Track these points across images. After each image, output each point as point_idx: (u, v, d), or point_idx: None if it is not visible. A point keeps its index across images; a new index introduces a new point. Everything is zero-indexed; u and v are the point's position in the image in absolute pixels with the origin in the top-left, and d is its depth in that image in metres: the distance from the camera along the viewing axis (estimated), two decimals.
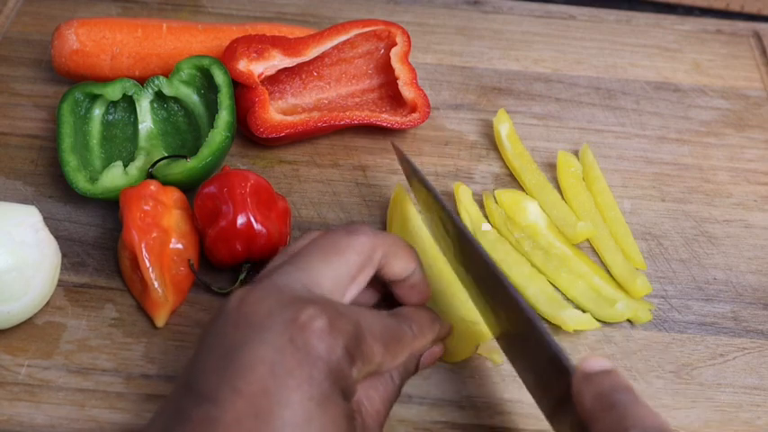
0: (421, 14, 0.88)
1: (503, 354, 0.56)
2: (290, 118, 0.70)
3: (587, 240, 0.67)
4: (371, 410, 0.50)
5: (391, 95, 0.76)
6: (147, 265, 0.59)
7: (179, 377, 0.46)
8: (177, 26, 0.75)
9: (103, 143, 0.70)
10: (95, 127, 0.70)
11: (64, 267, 0.63)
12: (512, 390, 0.57)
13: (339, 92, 0.76)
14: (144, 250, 0.59)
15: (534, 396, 0.51)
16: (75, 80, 0.74)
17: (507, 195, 0.68)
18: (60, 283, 0.62)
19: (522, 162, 0.71)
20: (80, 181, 0.64)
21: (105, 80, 0.72)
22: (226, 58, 0.70)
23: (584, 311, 0.62)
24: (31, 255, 0.57)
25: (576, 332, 0.61)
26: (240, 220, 0.60)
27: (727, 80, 0.83)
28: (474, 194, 0.69)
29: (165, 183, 0.64)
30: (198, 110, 0.71)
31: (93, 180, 0.65)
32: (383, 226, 0.67)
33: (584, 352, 0.60)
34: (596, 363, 0.46)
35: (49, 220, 0.63)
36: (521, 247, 0.66)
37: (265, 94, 0.70)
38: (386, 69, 0.76)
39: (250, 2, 0.87)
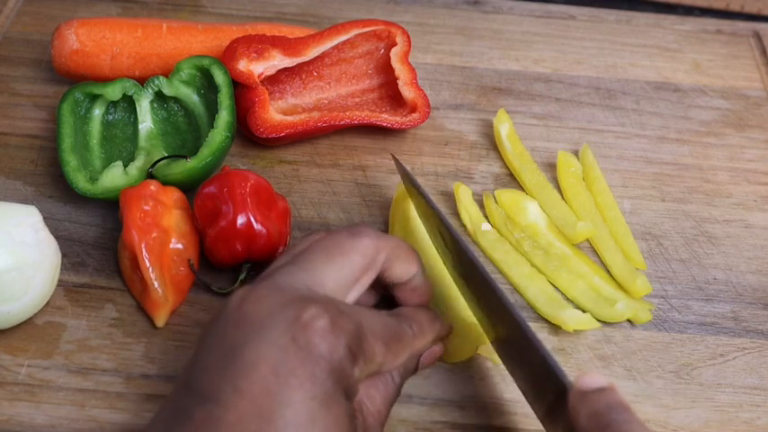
0: (421, 14, 0.88)
1: None
2: (290, 118, 0.70)
3: (587, 240, 0.67)
4: (372, 410, 0.50)
5: (391, 95, 0.76)
6: (147, 265, 0.59)
7: (179, 377, 0.46)
8: (177, 26, 0.75)
9: (103, 143, 0.70)
10: (95, 127, 0.70)
11: (64, 267, 0.63)
12: (512, 390, 0.57)
13: (339, 92, 0.76)
14: (144, 250, 0.59)
15: (527, 399, 0.52)
16: (75, 80, 0.74)
17: (507, 195, 0.68)
18: (60, 283, 0.62)
19: (522, 162, 0.71)
20: (80, 181, 0.64)
21: (105, 80, 0.72)
22: (226, 58, 0.70)
23: (584, 311, 0.62)
24: (31, 255, 0.57)
25: (576, 332, 0.61)
26: (240, 220, 0.60)
27: (727, 80, 0.83)
28: (474, 194, 0.69)
29: (165, 183, 0.64)
30: (198, 110, 0.71)
31: (93, 180, 0.65)
32: (384, 226, 0.67)
33: (585, 352, 0.60)
34: (592, 380, 0.46)
35: (49, 220, 0.63)
36: (521, 247, 0.66)
37: (265, 94, 0.70)
38: (386, 69, 0.76)
39: (250, 2, 0.87)
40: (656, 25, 0.89)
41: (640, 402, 0.57)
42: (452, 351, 0.58)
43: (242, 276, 0.61)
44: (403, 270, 0.53)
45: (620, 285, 0.64)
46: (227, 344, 0.44)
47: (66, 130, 0.67)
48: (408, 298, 0.55)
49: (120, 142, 0.70)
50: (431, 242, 0.63)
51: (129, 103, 0.70)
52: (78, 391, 0.56)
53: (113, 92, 0.69)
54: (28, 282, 0.57)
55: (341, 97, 0.76)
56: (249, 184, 0.61)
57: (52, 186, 0.69)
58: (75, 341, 0.59)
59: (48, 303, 0.60)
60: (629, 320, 0.62)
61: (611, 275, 0.65)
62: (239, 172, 0.62)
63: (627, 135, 0.77)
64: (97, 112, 0.70)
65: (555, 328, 0.61)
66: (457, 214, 0.68)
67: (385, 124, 0.72)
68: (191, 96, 0.71)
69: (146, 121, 0.70)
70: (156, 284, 0.59)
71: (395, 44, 0.74)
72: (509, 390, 0.57)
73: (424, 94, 0.74)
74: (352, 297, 0.50)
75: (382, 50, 0.76)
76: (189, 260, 0.61)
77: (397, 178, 0.71)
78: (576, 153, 0.74)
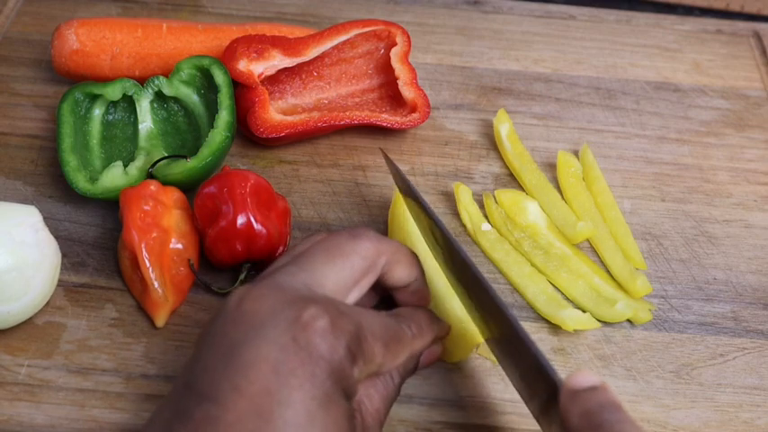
0: (421, 14, 0.88)
1: None
2: (290, 118, 0.70)
3: (587, 240, 0.67)
4: (371, 409, 0.50)
5: (391, 95, 0.76)
6: (147, 265, 0.59)
7: (179, 376, 0.46)
8: (177, 26, 0.75)
9: (103, 143, 0.70)
10: (95, 127, 0.70)
11: (64, 267, 0.63)
12: (511, 390, 0.57)
13: (339, 92, 0.76)
14: (144, 250, 0.59)
15: (522, 397, 0.52)
16: (75, 80, 0.74)
17: (507, 195, 0.68)
18: (60, 283, 0.62)
19: (522, 162, 0.71)
20: (80, 181, 0.64)
21: (105, 80, 0.72)
22: (226, 58, 0.70)
23: (584, 311, 0.62)
24: (31, 255, 0.57)
25: (576, 332, 0.61)
26: (240, 220, 0.60)
27: (727, 80, 0.83)
28: (474, 194, 0.69)
29: (165, 183, 0.64)
30: (198, 110, 0.71)
31: (93, 180, 0.65)
32: (384, 226, 0.67)
33: (585, 352, 0.60)
34: (584, 378, 0.46)
35: (49, 220, 0.63)
36: (521, 247, 0.66)
37: (265, 94, 0.70)
38: (386, 69, 0.76)
39: (250, 2, 0.87)
40: (656, 25, 0.89)
41: (640, 402, 0.57)
42: (451, 351, 0.58)
43: (242, 276, 0.61)
44: (403, 274, 0.53)
45: (620, 285, 0.64)
46: (227, 343, 0.44)
47: (66, 130, 0.67)
48: (408, 300, 0.55)
49: (120, 142, 0.70)
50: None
51: (129, 103, 0.70)
52: (78, 391, 0.56)
53: (113, 92, 0.69)
54: (28, 282, 0.57)
55: (341, 97, 0.76)
56: (249, 184, 0.61)
57: (52, 186, 0.69)
58: (75, 341, 0.59)
59: (48, 303, 0.60)
60: (629, 320, 0.62)
61: (611, 275, 0.65)
62: (239, 172, 0.62)
63: (627, 135, 0.77)
64: (97, 112, 0.70)
65: (555, 328, 0.61)
66: (457, 214, 0.68)
67: (385, 124, 0.72)
68: (191, 96, 0.71)
69: (146, 121, 0.70)
70: (156, 284, 0.59)
71: (395, 44, 0.74)
72: (508, 390, 0.57)
73: (424, 94, 0.74)
74: (351, 299, 0.50)
75: (382, 50, 0.76)
76: (189, 260, 0.61)
77: None
78: (576, 153, 0.74)
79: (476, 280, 0.52)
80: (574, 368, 0.59)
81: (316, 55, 0.73)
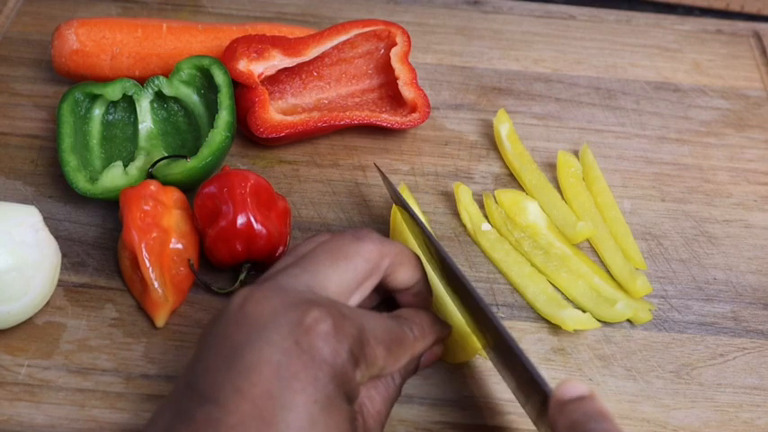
0: (421, 14, 0.88)
1: None
2: (290, 118, 0.70)
3: (587, 240, 0.67)
4: (373, 411, 0.50)
5: (391, 95, 0.76)
6: (147, 265, 0.59)
7: (180, 377, 0.46)
8: (177, 26, 0.75)
9: (103, 143, 0.70)
10: (95, 127, 0.70)
11: (64, 267, 0.63)
12: None
13: (339, 92, 0.76)
14: (144, 250, 0.59)
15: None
16: (75, 80, 0.74)
17: (507, 195, 0.68)
18: (60, 283, 0.62)
19: (522, 162, 0.71)
20: (80, 181, 0.64)
21: (105, 80, 0.72)
22: (226, 58, 0.70)
23: (584, 311, 0.62)
24: (31, 255, 0.57)
25: (576, 332, 0.61)
26: (240, 220, 0.60)
27: (727, 80, 0.83)
28: (474, 194, 0.69)
29: (165, 183, 0.64)
30: (198, 110, 0.71)
31: (93, 180, 0.65)
32: (384, 226, 0.67)
33: (585, 352, 0.60)
34: (572, 389, 0.46)
35: (49, 220, 0.63)
36: (521, 247, 0.66)
37: (265, 94, 0.70)
38: (386, 69, 0.76)
39: (250, 2, 0.87)
40: (656, 25, 0.89)
41: (640, 402, 0.57)
42: (455, 352, 0.58)
43: (242, 276, 0.61)
44: (406, 276, 0.53)
45: (620, 285, 0.64)
46: (229, 345, 0.44)
47: (66, 130, 0.67)
48: (410, 302, 0.55)
49: (120, 142, 0.70)
50: None
51: (129, 103, 0.70)
52: (78, 391, 0.56)
53: (113, 92, 0.69)
54: (28, 282, 0.57)
55: (341, 97, 0.76)
56: (249, 184, 0.61)
57: (52, 186, 0.69)
58: (75, 341, 0.59)
59: (48, 303, 0.60)
60: (629, 320, 0.62)
61: (611, 275, 0.65)
62: (239, 172, 0.62)
63: (627, 135, 0.77)
64: (97, 112, 0.70)
65: (555, 328, 0.61)
66: (457, 214, 0.68)
67: (385, 124, 0.72)
68: (191, 96, 0.71)
69: (146, 121, 0.70)
70: (156, 284, 0.59)
71: (395, 44, 0.74)
72: (508, 390, 0.57)
73: (424, 94, 0.74)
74: (354, 301, 0.50)
75: (382, 50, 0.76)
76: (189, 260, 0.61)
77: (397, 179, 0.71)
78: (576, 153, 0.74)
79: (467, 292, 0.52)
80: (574, 368, 0.59)
81: (316, 55, 0.73)
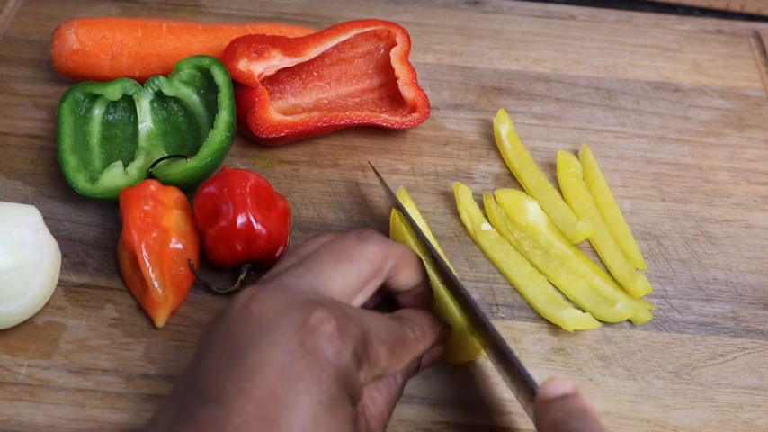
0: (421, 14, 0.88)
1: None
2: (290, 118, 0.70)
3: (587, 240, 0.67)
4: (375, 412, 0.50)
5: (391, 95, 0.76)
6: (147, 265, 0.59)
7: (182, 376, 0.46)
8: (177, 26, 0.75)
9: (103, 143, 0.70)
10: (95, 127, 0.70)
11: (64, 267, 0.63)
12: None
13: (339, 92, 0.76)
14: (144, 250, 0.59)
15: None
16: (75, 80, 0.74)
17: (507, 195, 0.68)
18: (60, 283, 0.62)
19: (522, 162, 0.71)
20: (80, 181, 0.64)
21: (105, 80, 0.72)
22: (226, 58, 0.70)
23: (584, 311, 0.62)
24: (31, 255, 0.57)
25: (576, 332, 0.61)
26: (240, 220, 0.60)
27: (727, 80, 0.83)
28: (474, 194, 0.69)
29: (165, 183, 0.64)
30: (198, 110, 0.71)
31: (93, 180, 0.65)
32: (384, 226, 0.67)
33: (585, 352, 0.60)
34: (556, 387, 0.46)
35: (49, 220, 0.63)
36: (521, 247, 0.66)
37: (265, 94, 0.70)
38: (386, 69, 0.76)
39: (250, 2, 0.87)
40: (656, 25, 0.89)
41: (640, 402, 0.57)
42: (456, 352, 0.58)
43: (242, 276, 0.61)
44: (408, 278, 0.53)
45: (620, 285, 0.64)
46: (233, 344, 0.44)
47: (66, 130, 0.67)
48: (411, 304, 0.55)
49: (120, 142, 0.70)
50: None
51: (129, 103, 0.70)
52: (78, 391, 0.56)
53: (113, 92, 0.69)
54: (28, 282, 0.57)
55: (341, 97, 0.76)
56: (249, 184, 0.61)
57: (52, 186, 0.69)
58: (75, 341, 0.59)
59: (48, 303, 0.60)
60: (629, 320, 0.62)
61: (611, 275, 0.65)
62: (239, 172, 0.62)
63: (627, 135, 0.77)
64: (97, 112, 0.70)
65: (555, 328, 0.61)
66: (457, 214, 0.68)
67: (385, 124, 0.72)
68: (191, 96, 0.71)
69: (146, 121, 0.70)
70: (156, 284, 0.59)
71: (395, 44, 0.74)
72: (509, 390, 0.57)
73: (424, 94, 0.74)
74: (357, 302, 0.50)
75: (382, 50, 0.76)
76: (189, 260, 0.61)
77: (397, 179, 0.71)
78: (576, 153, 0.74)
79: (462, 297, 0.52)
80: (574, 368, 0.59)
81: (316, 55, 0.73)
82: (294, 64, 0.72)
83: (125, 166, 0.67)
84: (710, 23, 0.90)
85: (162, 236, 0.61)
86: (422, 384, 0.58)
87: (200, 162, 0.65)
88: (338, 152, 0.73)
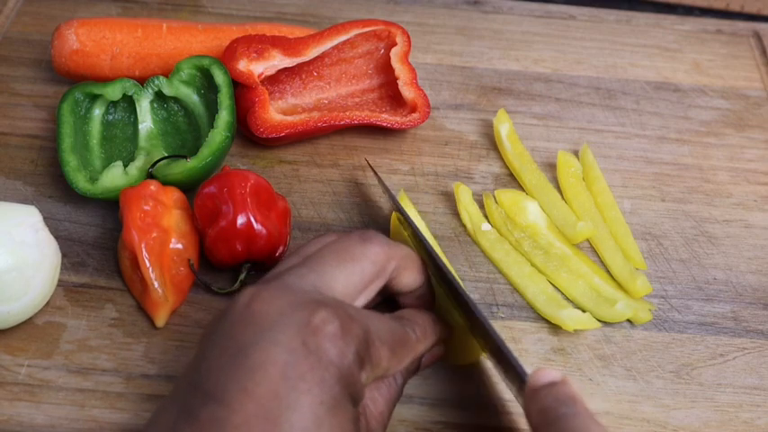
0: (421, 14, 0.88)
1: None
2: (290, 118, 0.70)
3: (587, 240, 0.67)
4: (375, 412, 0.50)
5: (391, 95, 0.76)
6: (147, 265, 0.59)
7: (183, 375, 0.46)
8: (177, 26, 0.75)
9: (103, 143, 0.70)
10: (95, 127, 0.70)
11: (64, 267, 0.63)
12: None
13: (339, 92, 0.76)
14: (144, 250, 0.59)
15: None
16: (75, 80, 0.74)
17: (507, 195, 0.68)
18: (60, 283, 0.62)
19: (522, 162, 0.71)
20: (80, 181, 0.64)
21: (105, 80, 0.72)
22: (226, 58, 0.70)
23: (584, 311, 0.62)
24: (31, 255, 0.57)
25: (576, 332, 0.61)
26: (240, 220, 0.60)
27: (727, 80, 0.83)
28: (474, 194, 0.69)
29: (165, 183, 0.64)
30: (198, 110, 0.71)
31: (93, 180, 0.65)
32: (385, 226, 0.67)
33: (585, 352, 0.60)
34: (544, 376, 0.46)
35: (49, 220, 0.63)
36: (521, 247, 0.66)
37: (265, 94, 0.70)
38: (386, 69, 0.76)
39: (250, 2, 0.87)
40: (656, 25, 0.89)
41: (640, 402, 0.57)
42: (457, 354, 0.58)
43: (242, 276, 0.61)
44: (410, 280, 0.53)
45: (620, 285, 0.64)
46: (235, 343, 0.44)
47: (66, 130, 0.67)
48: (412, 305, 0.55)
49: (120, 142, 0.70)
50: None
51: (129, 103, 0.70)
52: (78, 391, 0.56)
53: (113, 92, 0.69)
54: (28, 282, 0.57)
55: (341, 97, 0.76)
56: (249, 184, 0.61)
57: (52, 186, 0.69)
58: (75, 341, 0.59)
59: (48, 303, 0.60)
60: (629, 320, 0.62)
61: (611, 275, 0.65)
62: (239, 172, 0.62)
63: (627, 135, 0.77)
64: (97, 112, 0.70)
65: (555, 328, 0.61)
66: (457, 214, 0.68)
67: (385, 124, 0.72)
68: (191, 96, 0.71)
69: (146, 121, 0.70)
70: (156, 284, 0.59)
71: (395, 44, 0.74)
72: (508, 390, 0.57)
73: (424, 94, 0.74)
74: (360, 303, 0.50)
75: (382, 50, 0.76)
76: (189, 260, 0.61)
77: (397, 179, 0.71)
78: (576, 153, 0.74)
79: (462, 299, 0.52)
80: (574, 368, 0.59)
81: (316, 55, 0.73)
82: (294, 64, 0.72)
83: (125, 166, 0.67)
84: (710, 23, 0.90)
85: (162, 236, 0.61)
86: (422, 384, 0.58)
87: (200, 162, 0.65)
88: (338, 152, 0.73)
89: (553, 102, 0.79)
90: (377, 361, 0.46)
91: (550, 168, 0.72)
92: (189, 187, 0.66)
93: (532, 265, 0.65)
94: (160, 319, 0.59)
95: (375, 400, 0.50)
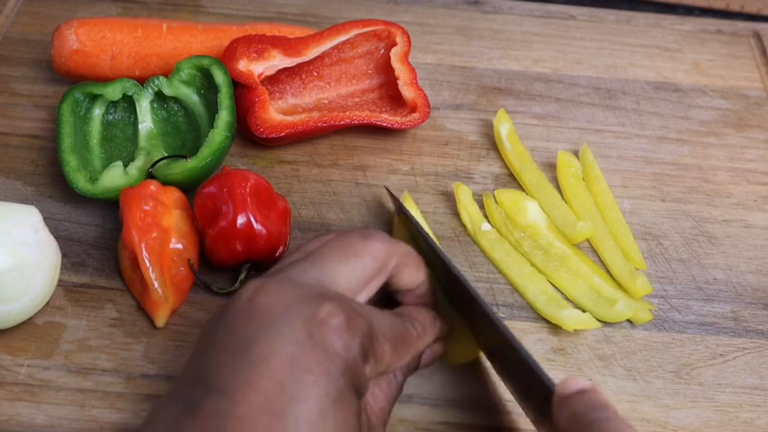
0: (421, 14, 0.88)
1: None
2: (290, 118, 0.70)
3: (587, 240, 0.67)
4: (376, 409, 0.50)
5: (391, 95, 0.76)
6: (147, 265, 0.59)
7: (185, 369, 0.46)
8: (177, 26, 0.75)
9: (103, 143, 0.70)
10: (95, 127, 0.70)
11: (64, 267, 0.63)
12: None
13: (339, 92, 0.76)
14: (144, 250, 0.59)
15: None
16: (75, 80, 0.74)
17: (507, 195, 0.68)
18: (60, 283, 0.62)
19: (522, 162, 0.71)
20: (80, 181, 0.64)
21: (105, 80, 0.72)
22: (226, 58, 0.70)
23: (584, 311, 0.62)
24: (31, 255, 0.57)
25: (576, 332, 0.61)
26: (240, 220, 0.60)
27: (727, 80, 0.83)
28: (474, 194, 0.69)
29: (165, 183, 0.64)
30: (198, 110, 0.71)
31: (93, 180, 0.65)
32: (385, 226, 0.67)
33: (585, 352, 0.60)
34: (573, 384, 0.46)
35: (49, 220, 0.63)
36: (521, 247, 0.66)
37: (265, 94, 0.70)
38: (386, 69, 0.76)
39: (250, 2, 0.87)
40: (656, 25, 0.89)
41: (640, 402, 0.57)
42: (457, 353, 0.58)
43: (242, 276, 0.61)
44: (411, 277, 0.53)
45: (620, 285, 0.64)
46: (239, 336, 0.44)
47: (66, 130, 0.67)
48: (413, 303, 0.55)
49: (120, 142, 0.70)
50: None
51: (129, 103, 0.70)
52: (78, 391, 0.56)
53: (113, 92, 0.69)
54: (28, 282, 0.57)
55: (341, 97, 0.76)
56: (249, 184, 0.61)
57: (52, 186, 0.69)
58: (75, 341, 0.59)
59: (48, 303, 0.60)
60: (629, 320, 0.62)
61: (611, 275, 0.65)
62: (239, 172, 0.62)
63: (627, 135, 0.77)
64: (97, 112, 0.70)
65: (555, 328, 0.61)
66: (457, 214, 0.68)
67: (385, 124, 0.72)
68: (191, 96, 0.71)
69: (146, 121, 0.70)
70: (156, 284, 0.59)
71: (395, 44, 0.74)
72: (509, 390, 0.57)
73: (424, 94, 0.74)
74: (361, 299, 0.50)
75: (382, 50, 0.76)
76: (189, 260, 0.61)
77: (397, 179, 0.71)
78: (576, 153, 0.74)
79: (467, 293, 0.52)
80: (574, 368, 0.59)
81: (316, 55, 0.73)
82: (294, 64, 0.72)
83: (125, 166, 0.67)
84: (710, 23, 0.90)
85: (162, 236, 0.61)
86: (422, 384, 0.58)
87: (200, 162, 0.65)
88: (338, 152, 0.73)
89: (553, 102, 0.79)
90: (380, 355, 0.46)
91: (550, 168, 0.72)
92: (189, 187, 0.66)
93: (532, 265, 0.65)
94: (160, 319, 0.59)
95: (375, 395, 0.50)
